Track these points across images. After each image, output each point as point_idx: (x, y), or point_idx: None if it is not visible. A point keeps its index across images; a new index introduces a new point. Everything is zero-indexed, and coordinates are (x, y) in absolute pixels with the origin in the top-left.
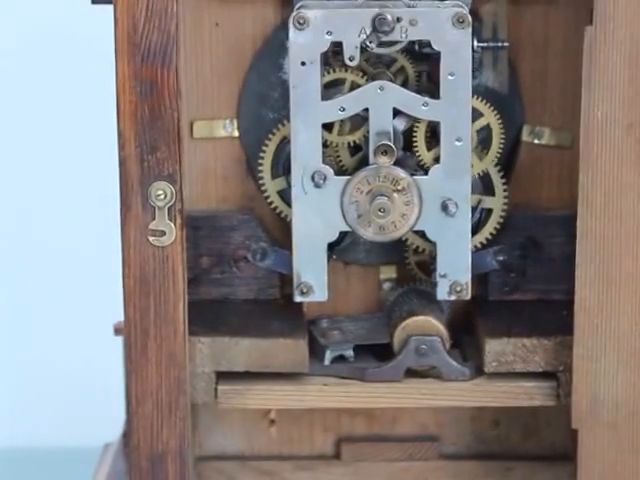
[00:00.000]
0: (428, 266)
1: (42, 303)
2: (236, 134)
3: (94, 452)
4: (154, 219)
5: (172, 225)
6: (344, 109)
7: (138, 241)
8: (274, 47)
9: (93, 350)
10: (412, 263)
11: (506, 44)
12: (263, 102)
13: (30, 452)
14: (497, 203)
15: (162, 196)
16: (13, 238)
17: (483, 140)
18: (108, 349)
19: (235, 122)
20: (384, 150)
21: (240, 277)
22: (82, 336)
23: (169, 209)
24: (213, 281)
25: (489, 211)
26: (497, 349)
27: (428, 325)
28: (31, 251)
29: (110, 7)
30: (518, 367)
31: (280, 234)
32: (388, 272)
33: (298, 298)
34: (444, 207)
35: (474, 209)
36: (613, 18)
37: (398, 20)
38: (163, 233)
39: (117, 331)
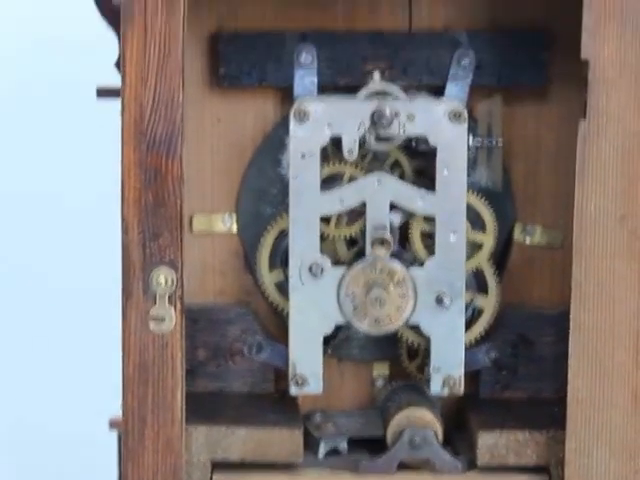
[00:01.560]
0: (424, 367)
1: (37, 396)
2: (235, 229)
3: None
4: (155, 304)
5: (172, 311)
6: (342, 201)
7: (138, 328)
8: (274, 143)
9: (87, 447)
10: (413, 370)
11: (500, 143)
12: (262, 197)
13: None
14: (490, 302)
15: (163, 282)
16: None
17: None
18: (102, 445)
19: (234, 216)
20: (381, 241)
21: (235, 370)
22: (76, 431)
23: (170, 295)
24: (209, 374)
25: (481, 310)
26: (490, 442)
27: (423, 418)
28: (25, 353)
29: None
30: (511, 461)
31: (276, 329)
32: (381, 369)
33: (293, 390)
34: (439, 300)
35: (466, 306)
36: (606, 112)
37: (396, 115)
38: (163, 319)
39: (112, 425)
